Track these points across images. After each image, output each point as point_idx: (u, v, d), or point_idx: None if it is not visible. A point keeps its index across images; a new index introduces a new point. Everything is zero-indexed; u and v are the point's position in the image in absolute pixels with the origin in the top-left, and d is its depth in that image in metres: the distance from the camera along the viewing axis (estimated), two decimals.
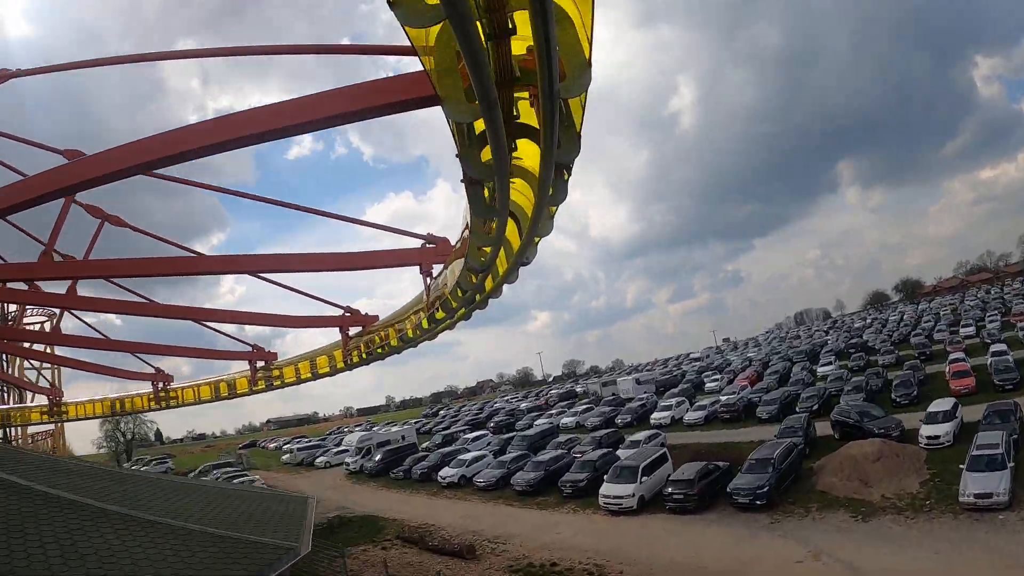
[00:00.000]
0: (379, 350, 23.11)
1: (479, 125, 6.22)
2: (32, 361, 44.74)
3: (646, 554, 17.72)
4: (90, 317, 31.91)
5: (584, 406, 50.18)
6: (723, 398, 39.61)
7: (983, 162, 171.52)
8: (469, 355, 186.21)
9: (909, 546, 15.45)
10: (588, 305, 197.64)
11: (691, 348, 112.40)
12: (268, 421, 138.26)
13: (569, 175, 7.95)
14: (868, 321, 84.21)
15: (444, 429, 54.88)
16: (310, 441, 60.30)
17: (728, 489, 20.43)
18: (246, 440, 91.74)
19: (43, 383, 46.06)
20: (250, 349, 28.75)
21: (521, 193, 8.25)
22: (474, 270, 10.88)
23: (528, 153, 7.01)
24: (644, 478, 22.29)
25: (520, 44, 5.34)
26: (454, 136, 6.47)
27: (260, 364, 28.53)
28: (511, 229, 9.48)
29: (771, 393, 36.98)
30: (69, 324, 34.54)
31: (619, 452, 28.39)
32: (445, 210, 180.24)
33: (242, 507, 9.93)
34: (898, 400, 29.84)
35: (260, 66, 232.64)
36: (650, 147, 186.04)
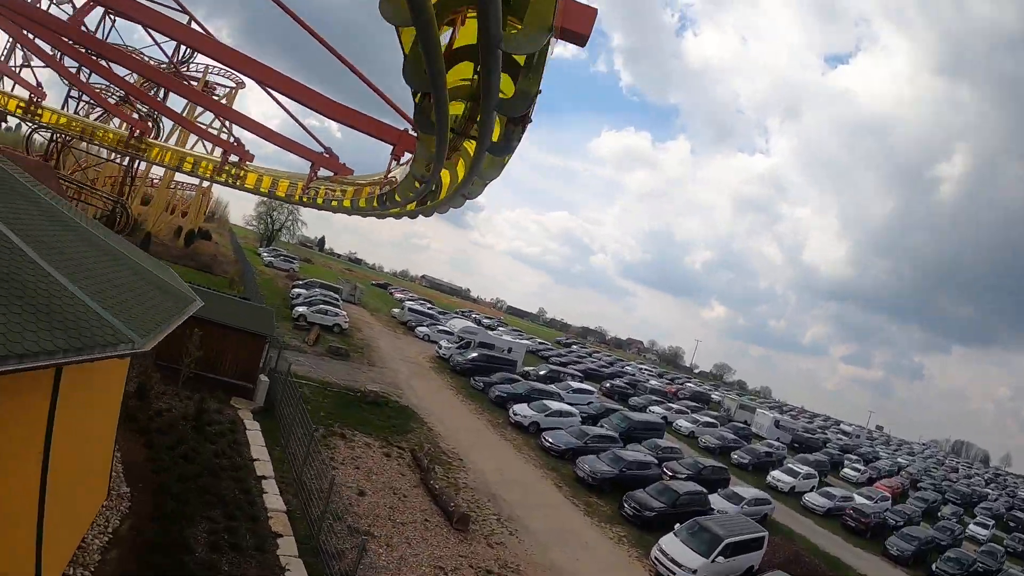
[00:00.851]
0: (333, 203, 24.16)
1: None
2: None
3: None
4: None
5: (709, 418, 44.39)
6: (858, 498, 32.88)
7: None
8: (637, 309, 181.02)
9: None
10: (766, 321, 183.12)
11: (843, 415, 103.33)
12: (423, 276, 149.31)
13: (523, 131, 8.04)
14: None
15: (559, 363, 52.41)
16: (429, 308, 59.40)
17: None
18: (385, 280, 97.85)
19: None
20: (233, 143, 29.74)
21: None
22: (417, 179, 11.41)
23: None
24: (720, 558, 17.31)
25: None
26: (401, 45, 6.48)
27: (234, 158, 28.81)
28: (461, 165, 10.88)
29: (911, 528, 30.09)
30: None
31: (713, 497, 23.57)
32: None
33: (136, 283, 9.40)
34: None
35: None
36: (898, 200, 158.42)
